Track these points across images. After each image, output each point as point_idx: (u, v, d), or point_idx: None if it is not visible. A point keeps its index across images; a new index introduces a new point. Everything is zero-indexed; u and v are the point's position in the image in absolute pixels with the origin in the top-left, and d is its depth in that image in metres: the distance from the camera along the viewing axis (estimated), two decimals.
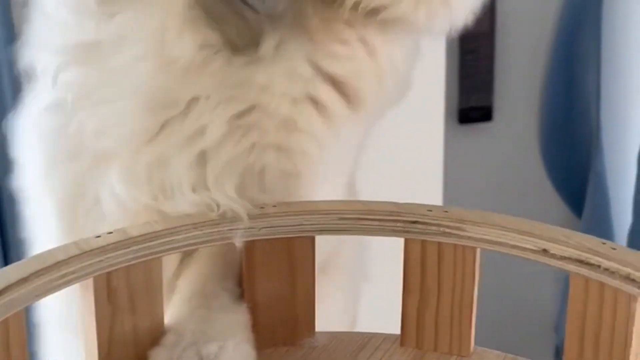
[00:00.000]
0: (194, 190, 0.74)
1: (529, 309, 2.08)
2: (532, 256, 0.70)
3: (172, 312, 0.73)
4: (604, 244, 0.69)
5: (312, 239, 0.75)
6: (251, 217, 0.73)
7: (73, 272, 0.65)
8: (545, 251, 0.70)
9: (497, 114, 2.03)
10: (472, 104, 2.01)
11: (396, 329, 0.77)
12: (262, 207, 0.74)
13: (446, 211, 0.74)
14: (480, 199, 2.00)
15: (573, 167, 2.01)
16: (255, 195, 0.75)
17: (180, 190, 0.74)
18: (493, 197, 2.03)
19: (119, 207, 0.75)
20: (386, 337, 0.77)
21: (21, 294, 0.62)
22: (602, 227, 1.90)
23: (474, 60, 1.99)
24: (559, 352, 2.02)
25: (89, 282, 0.67)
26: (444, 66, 1.68)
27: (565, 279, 1.96)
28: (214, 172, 0.74)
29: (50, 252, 0.66)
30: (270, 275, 0.75)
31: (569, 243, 0.69)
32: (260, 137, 0.75)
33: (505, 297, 1.96)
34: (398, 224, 0.74)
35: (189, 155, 0.74)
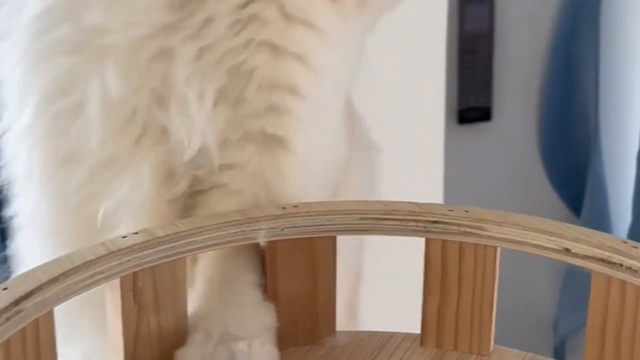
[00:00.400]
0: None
1: (528, 308, 2.09)
2: (554, 255, 0.71)
3: (195, 303, 0.73)
4: (625, 242, 0.69)
5: (334, 239, 0.75)
6: (273, 217, 0.74)
7: (101, 272, 0.66)
8: (567, 250, 0.70)
9: (496, 114, 2.04)
10: (471, 104, 2.02)
11: (416, 329, 0.77)
12: (284, 207, 0.75)
13: (467, 211, 0.74)
14: (479, 199, 2.00)
15: (572, 167, 2.02)
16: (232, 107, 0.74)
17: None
18: (492, 197, 2.04)
19: (105, 106, 0.74)
20: (406, 336, 0.78)
21: (51, 294, 0.63)
22: (601, 227, 1.90)
23: (473, 60, 2.00)
24: (557, 352, 2.02)
25: (116, 282, 0.67)
26: (444, 67, 1.69)
27: (564, 278, 1.97)
28: (203, 68, 0.72)
29: (78, 253, 0.66)
30: (292, 274, 0.75)
31: (590, 242, 0.70)
32: (258, 32, 0.73)
33: (504, 296, 1.97)
34: (419, 224, 0.74)
35: (191, 50, 0.73)
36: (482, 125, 2.04)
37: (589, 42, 1.93)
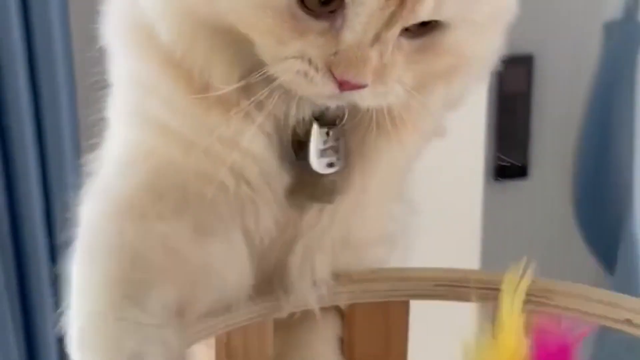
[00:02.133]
0: None
1: None
2: (616, 326, 0.75)
3: None
4: None
5: (407, 304, 0.80)
6: (352, 281, 0.78)
7: (198, 332, 0.71)
8: (628, 321, 0.75)
9: (532, 171, 2.08)
10: (508, 161, 2.06)
11: None
12: (361, 272, 0.79)
13: (534, 281, 0.79)
14: (514, 255, 2.03)
15: (606, 225, 2.05)
16: None
17: None
18: (527, 254, 2.06)
19: None
20: None
21: None
22: (634, 285, 1.94)
23: (511, 119, 2.04)
24: None
25: (211, 340, 0.72)
26: (484, 124, 1.73)
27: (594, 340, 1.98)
28: None
29: None
30: (367, 338, 0.80)
31: None
32: None
33: None
34: (490, 292, 0.79)
35: None
36: (519, 182, 2.08)
37: (625, 103, 1.97)
